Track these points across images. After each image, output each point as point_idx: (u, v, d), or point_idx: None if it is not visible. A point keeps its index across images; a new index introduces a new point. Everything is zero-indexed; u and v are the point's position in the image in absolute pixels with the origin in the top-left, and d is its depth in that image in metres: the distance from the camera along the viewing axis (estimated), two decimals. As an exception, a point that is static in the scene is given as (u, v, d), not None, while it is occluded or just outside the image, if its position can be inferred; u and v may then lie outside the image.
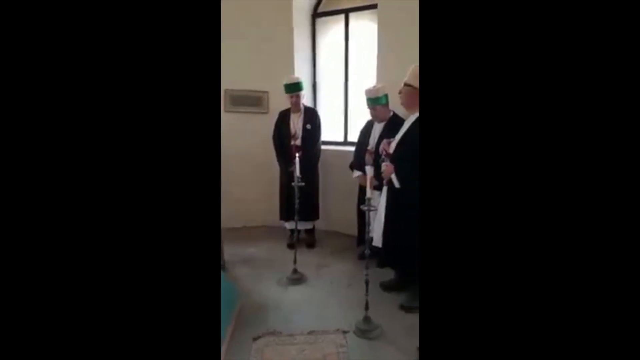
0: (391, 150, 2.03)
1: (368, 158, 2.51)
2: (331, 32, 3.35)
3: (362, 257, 2.38)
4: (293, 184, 2.38)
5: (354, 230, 2.86)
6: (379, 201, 2.23)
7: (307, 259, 2.68)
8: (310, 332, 1.85)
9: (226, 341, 1.72)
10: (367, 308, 1.89)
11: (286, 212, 2.91)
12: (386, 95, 2.49)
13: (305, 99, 3.03)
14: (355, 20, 3.20)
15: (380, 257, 2.44)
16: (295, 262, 2.46)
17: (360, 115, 3.00)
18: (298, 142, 2.84)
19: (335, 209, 3.23)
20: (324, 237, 3.16)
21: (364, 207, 1.83)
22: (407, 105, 2.07)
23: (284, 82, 2.82)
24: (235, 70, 3.01)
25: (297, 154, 2.48)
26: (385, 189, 2.12)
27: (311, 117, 2.91)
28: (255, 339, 1.79)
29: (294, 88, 2.81)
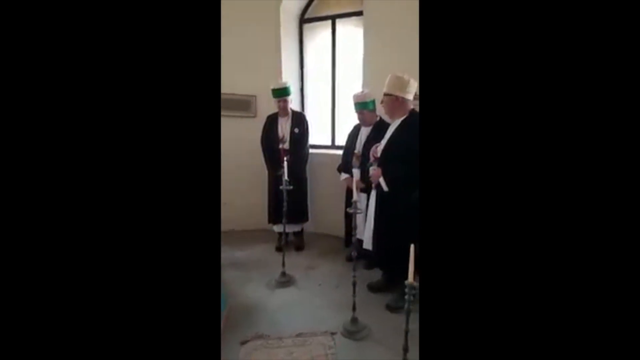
0: (378, 154, 2.07)
1: (355, 161, 2.56)
2: (318, 37, 3.39)
3: (350, 259, 2.41)
4: (281, 187, 2.39)
5: (342, 232, 2.90)
6: (366, 204, 2.26)
7: (295, 262, 2.70)
8: (299, 335, 1.86)
9: (214, 345, 1.71)
10: (354, 309, 1.91)
11: (274, 216, 2.92)
12: (373, 101, 2.55)
13: (293, 103, 3.05)
14: (342, 26, 3.25)
15: (368, 258, 2.47)
16: (283, 264, 2.47)
17: (348, 119, 3.04)
18: (286, 145, 2.85)
19: (323, 211, 3.25)
20: (312, 239, 3.18)
21: (350, 210, 1.86)
22: (390, 114, 2.10)
23: (272, 87, 2.84)
24: (223, 75, 2.96)
25: (285, 158, 2.50)
26: (373, 192, 2.16)
27: (299, 121, 2.94)
28: (243, 343, 1.79)
29: (281, 93, 2.84)
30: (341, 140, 3.08)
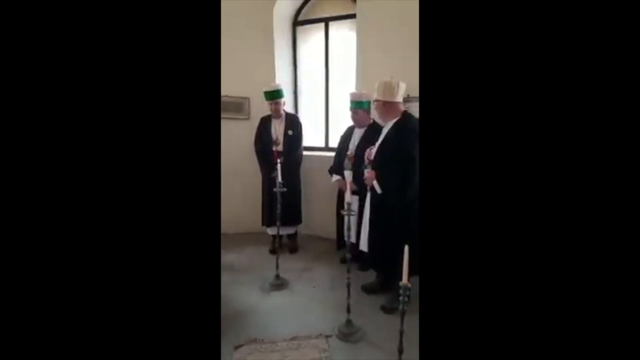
0: (372, 156, 2.09)
1: (347, 163, 2.57)
2: (312, 39, 3.40)
3: (344, 260, 2.41)
4: (275, 189, 2.38)
5: (335, 235, 2.89)
6: (358, 205, 2.26)
7: (289, 264, 2.68)
8: (293, 338, 1.85)
9: (207, 349, 1.69)
10: (349, 311, 1.91)
11: (268, 218, 2.91)
12: (369, 102, 2.56)
13: (287, 105, 3.04)
14: (335, 29, 3.26)
15: (362, 260, 2.47)
16: (277, 267, 2.46)
17: (341, 121, 3.05)
18: (280, 147, 2.85)
19: (317, 213, 3.24)
20: (306, 241, 3.17)
21: (343, 212, 1.86)
22: (383, 118, 2.19)
23: (264, 90, 2.84)
24: (216, 76, 2.99)
25: (278, 160, 2.49)
26: (368, 195, 2.17)
27: (293, 123, 2.93)
28: (236, 348, 1.77)
29: (273, 95, 2.83)
30: (335, 142, 3.07)
